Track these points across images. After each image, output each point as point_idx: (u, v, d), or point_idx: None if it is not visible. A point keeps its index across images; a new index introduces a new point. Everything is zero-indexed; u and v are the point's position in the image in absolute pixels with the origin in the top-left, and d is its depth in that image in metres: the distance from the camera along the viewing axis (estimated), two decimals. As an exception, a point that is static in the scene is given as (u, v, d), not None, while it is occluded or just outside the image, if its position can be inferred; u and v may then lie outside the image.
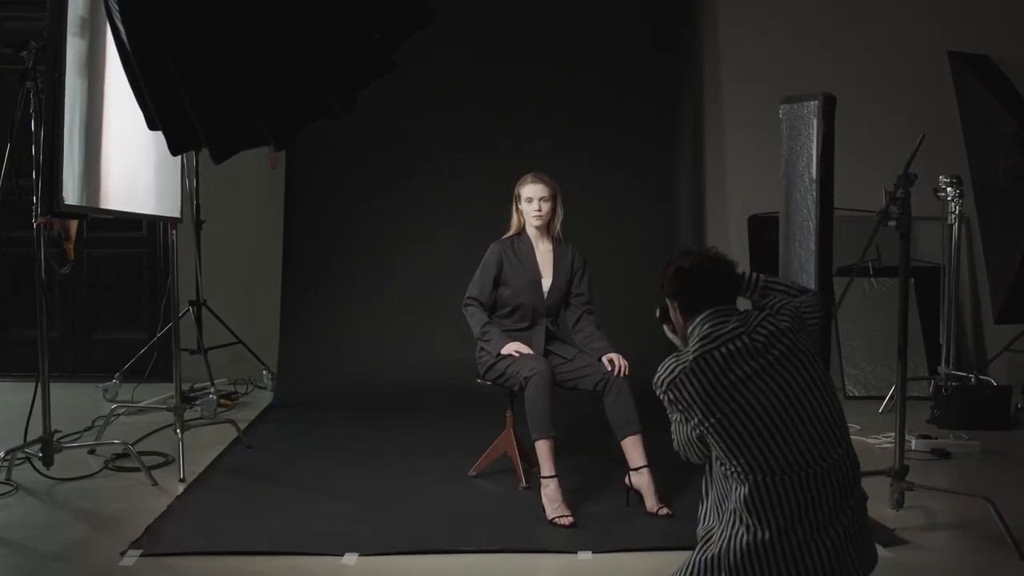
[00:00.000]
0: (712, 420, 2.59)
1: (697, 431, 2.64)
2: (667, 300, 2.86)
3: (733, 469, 2.59)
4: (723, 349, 2.62)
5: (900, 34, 6.53)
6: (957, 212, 5.42)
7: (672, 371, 2.66)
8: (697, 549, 2.71)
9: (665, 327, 2.99)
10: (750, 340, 2.62)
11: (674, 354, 2.72)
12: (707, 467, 2.81)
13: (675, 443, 2.81)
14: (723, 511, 2.67)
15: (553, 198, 4.22)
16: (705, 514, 2.80)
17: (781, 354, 2.61)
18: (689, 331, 2.74)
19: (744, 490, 2.56)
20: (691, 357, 2.63)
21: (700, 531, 2.78)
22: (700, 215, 6.62)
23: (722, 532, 2.63)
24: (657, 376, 2.70)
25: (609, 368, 4.03)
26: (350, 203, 6.42)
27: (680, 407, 2.65)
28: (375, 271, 6.35)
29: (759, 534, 2.53)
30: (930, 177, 5.33)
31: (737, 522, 2.58)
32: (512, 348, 4.08)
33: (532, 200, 4.20)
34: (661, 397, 2.70)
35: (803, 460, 2.55)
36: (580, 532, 3.73)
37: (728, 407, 2.57)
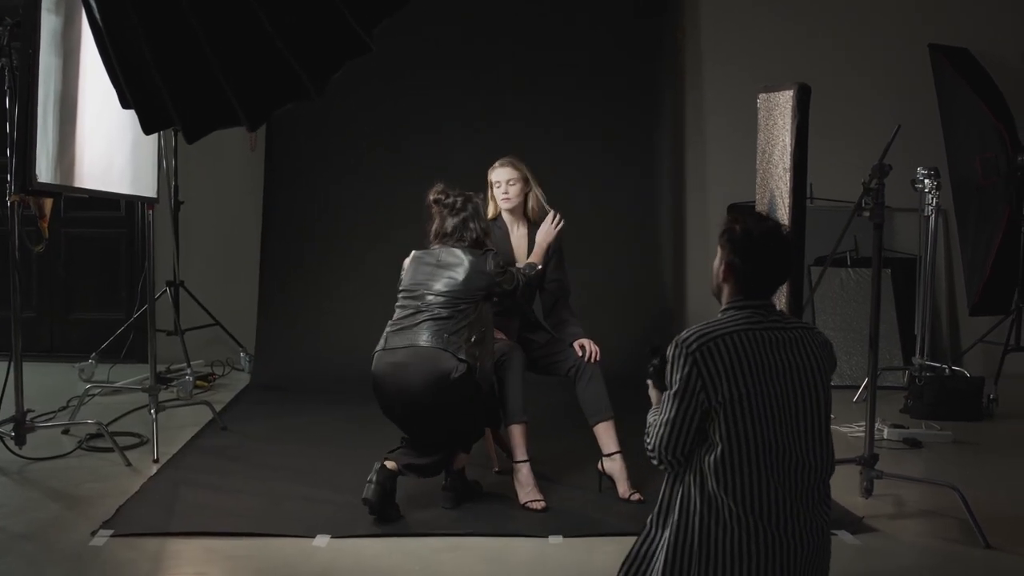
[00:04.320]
0: (733, 392, 2.43)
1: (706, 405, 2.46)
2: (718, 246, 2.66)
3: (725, 454, 2.45)
4: (761, 334, 2.51)
5: (881, 25, 6.56)
6: (934, 204, 5.45)
7: (707, 332, 2.48)
8: (656, 537, 2.58)
9: (650, 385, 2.80)
10: (785, 336, 2.53)
11: (700, 324, 2.55)
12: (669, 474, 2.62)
13: (652, 435, 2.57)
14: (690, 504, 2.52)
15: (523, 180, 4.22)
16: (666, 500, 2.61)
17: (808, 363, 2.53)
18: (722, 307, 2.62)
19: (728, 479, 2.45)
20: (727, 330, 2.49)
21: (656, 518, 2.61)
22: (680, 204, 6.64)
23: (689, 528, 2.50)
24: (687, 335, 2.50)
25: (581, 354, 4.04)
26: (330, 185, 6.41)
27: (701, 368, 2.45)
28: (355, 253, 6.34)
29: (734, 531, 2.43)
30: (908, 169, 5.36)
31: (707, 516, 2.47)
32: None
33: (500, 184, 4.21)
34: (682, 356, 2.47)
35: (795, 464, 2.48)
36: (552, 517, 3.75)
37: (751, 385, 2.44)
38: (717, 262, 2.66)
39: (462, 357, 3.64)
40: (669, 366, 2.55)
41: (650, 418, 2.65)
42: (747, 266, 2.58)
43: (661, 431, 2.54)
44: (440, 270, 3.81)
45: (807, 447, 2.49)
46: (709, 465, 2.48)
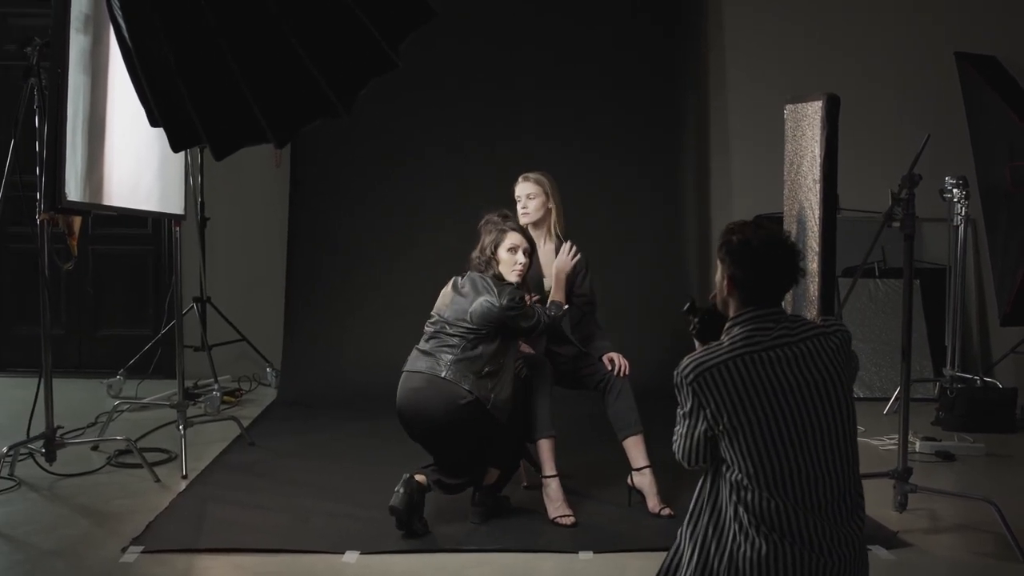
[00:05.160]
0: (735, 421, 2.41)
1: (711, 431, 2.47)
2: (718, 260, 2.61)
3: (741, 476, 2.44)
4: (763, 355, 2.44)
5: (907, 35, 6.52)
6: (963, 213, 5.40)
7: (704, 361, 2.45)
8: (687, 552, 2.56)
9: (691, 321, 2.77)
10: (792, 351, 2.45)
11: (704, 347, 2.53)
12: (704, 475, 2.63)
13: (676, 444, 2.60)
14: (718, 518, 2.52)
15: (543, 195, 4.20)
16: (697, 513, 2.60)
17: (821, 377, 2.45)
18: (729, 323, 2.55)
19: (749, 499, 2.42)
20: (725, 356, 2.44)
21: (686, 530, 2.60)
22: (706, 216, 6.61)
23: (719, 543, 2.49)
24: (685, 364, 2.48)
25: (609, 367, 4.02)
26: (355, 201, 6.42)
27: (702, 400, 2.45)
28: (380, 269, 6.35)
29: (760, 547, 2.40)
30: (936, 178, 5.31)
31: (737, 532, 2.45)
32: (513, 347, 4.07)
33: (520, 199, 4.21)
34: (683, 386, 2.49)
35: (814, 482, 2.41)
36: (581, 532, 3.72)
37: (757, 412, 2.40)
38: (719, 276, 2.60)
39: (467, 388, 3.63)
40: (676, 390, 2.54)
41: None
42: (749, 276, 2.52)
43: (681, 443, 2.57)
44: (460, 298, 3.80)
45: (826, 462, 2.43)
46: (729, 482, 2.46)
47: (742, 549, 2.42)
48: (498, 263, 3.86)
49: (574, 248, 4.10)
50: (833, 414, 2.45)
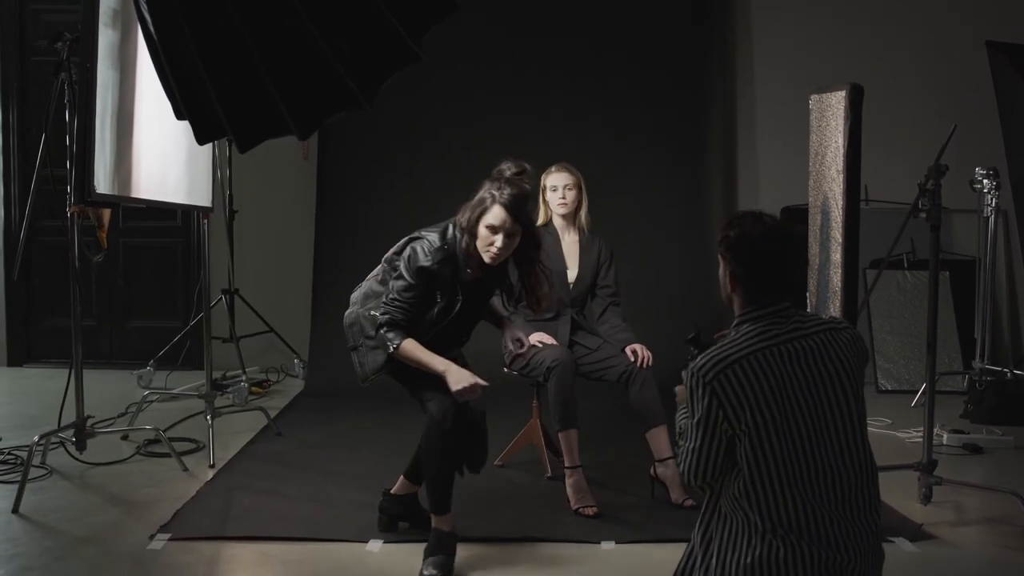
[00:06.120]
0: (758, 418, 2.34)
1: (731, 432, 2.38)
2: (719, 256, 2.53)
3: (756, 477, 2.38)
4: (783, 348, 2.38)
5: (936, 23, 6.45)
6: (993, 204, 5.35)
7: (725, 357, 2.36)
8: (700, 556, 2.52)
9: (692, 353, 2.65)
10: (807, 345, 2.40)
11: (717, 344, 2.44)
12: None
13: (685, 461, 2.46)
14: (729, 521, 2.46)
15: (578, 187, 4.21)
16: (707, 518, 2.54)
17: (835, 370, 2.40)
18: (736, 320, 2.50)
19: (764, 500, 2.36)
20: (742, 353, 2.37)
21: (697, 533, 2.55)
22: (732, 208, 6.58)
23: (733, 547, 2.43)
24: (702, 362, 2.38)
25: (633, 359, 4.02)
26: (382, 192, 6.45)
27: (722, 399, 2.35)
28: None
29: (778, 550, 2.35)
30: (966, 169, 5.26)
31: (752, 536, 2.39)
32: (536, 338, 4.08)
33: (557, 189, 4.20)
34: (699, 387, 2.37)
35: (832, 477, 2.37)
36: (604, 522, 3.73)
37: (778, 407, 2.34)
38: (721, 273, 2.53)
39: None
40: (688, 394, 2.44)
41: (679, 423, 2.60)
42: (751, 272, 2.44)
43: (690, 459, 2.45)
44: (388, 267, 3.63)
45: (839, 457, 2.38)
46: (739, 489, 2.40)
47: (758, 551, 2.37)
48: (475, 237, 3.37)
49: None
50: (847, 410, 2.41)
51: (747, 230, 2.46)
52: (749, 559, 2.38)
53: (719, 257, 2.53)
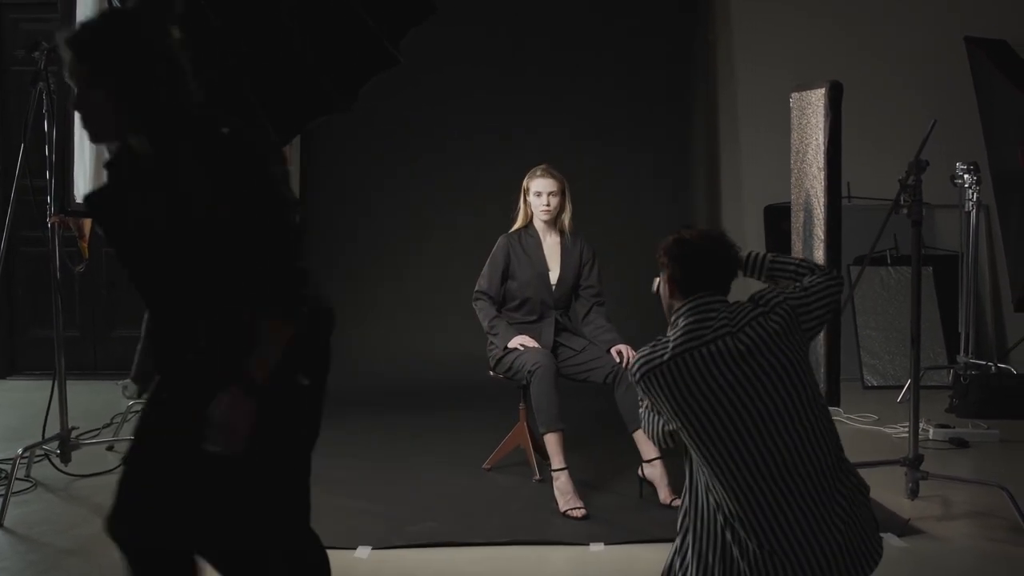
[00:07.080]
0: (682, 419, 2.44)
1: (669, 425, 2.53)
2: (660, 272, 2.67)
3: (708, 471, 2.45)
4: (704, 350, 2.44)
5: (913, 20, 6.47)
6: (975, 199, 5.37)
7: (648, 362, 2.48)
8: (678, 545, 2.57)
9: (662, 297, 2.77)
10: (734, 343, 2.44)
11: (653, 342, 2.54)
12: (686, 478, 2.62)
13: (644, 420, 2.72)
14: (704, 522, 2.50)
15: (562, 193, 4.21)
16: (687, 521, 2.59)
17: (767, 362, 2.44)
18: (673, 317, 2.58)
19: (726, 497, 2.41)
20: (668, 355, 2.46)
21: (678, 535, 2.60)
22: (715, 206, 6.60)
23: (713, 547, 2.47)
24: (634, 362, 2.54)
25: (618, 360, 4.02)
26: (366, 196, 6.46)
27: (653, 398, 2.51)
28: (389, 265, 6.38)
29: (748, 547, 2.39)
30: (947, 164, 5.28)
31: (726, 534, 2.44)
32: (517, 342, 4.07)
33: (541, 195, 4.20)
34: (635, 384, 2.56)
35: (783, 469, 2.39)
36: (592, 524, 3.73)
37: (701, 411, 2.41)
38: (661, 286, 2.66)
39: None
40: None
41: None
42: (687, 268, 2.57)
43: (646, 422, 2.71)
44: None
45: (794, 443, 2.41)
46: (705, 484, 2.48)
47: (733, 551, 2.42)
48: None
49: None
50: (791, 393, 2.43)
51: (684, 235, 2.62)
52: (728, 557, 2.43)
53: (660, 271, 2.66)
